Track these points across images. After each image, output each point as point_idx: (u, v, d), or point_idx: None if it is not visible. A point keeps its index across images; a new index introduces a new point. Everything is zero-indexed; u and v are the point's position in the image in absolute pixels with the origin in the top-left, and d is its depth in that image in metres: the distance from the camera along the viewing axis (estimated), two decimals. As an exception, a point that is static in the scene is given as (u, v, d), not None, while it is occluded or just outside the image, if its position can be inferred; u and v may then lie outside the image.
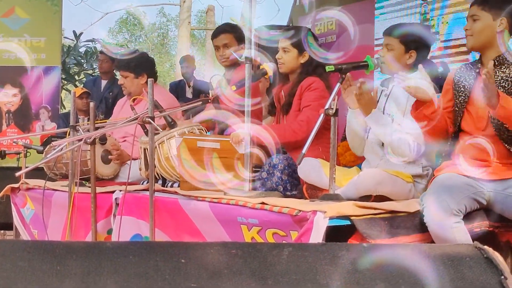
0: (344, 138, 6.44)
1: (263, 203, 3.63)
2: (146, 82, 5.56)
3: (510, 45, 3.70)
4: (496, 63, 3.66)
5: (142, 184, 4.90)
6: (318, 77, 4.55)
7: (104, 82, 9.27)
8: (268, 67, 4.40)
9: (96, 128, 4.13)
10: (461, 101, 3.77)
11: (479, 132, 3.66)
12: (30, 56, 9.43)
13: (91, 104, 4.15)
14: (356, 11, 7.84)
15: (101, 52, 10.48)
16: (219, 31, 5.66)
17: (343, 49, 7.90)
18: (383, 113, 4.04)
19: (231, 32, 5.54)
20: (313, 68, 4.61)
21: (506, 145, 3.57)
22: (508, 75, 3.61)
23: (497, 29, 3.67)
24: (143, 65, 5.82)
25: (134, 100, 5.60)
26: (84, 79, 14.11)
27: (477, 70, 3.75)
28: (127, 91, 5.91)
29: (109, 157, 5.42)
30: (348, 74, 3.92)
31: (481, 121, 3.65)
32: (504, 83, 3.60)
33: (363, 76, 4.06)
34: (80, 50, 14.51)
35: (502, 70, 3.65)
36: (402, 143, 3.89)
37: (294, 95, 4.60)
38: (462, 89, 3.78)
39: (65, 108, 12.35)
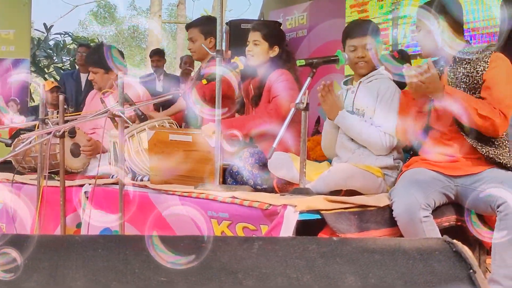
0: (314, 133, 6.48)
1: (233, 197, 3.62)
2: (117, 76, 5.54)
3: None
4: (457, 60, 3.70)
5: (112, 177, 4.88)
6: (287, 70, 4.56)
7: (84, 76, 9.17)
8: (240, 61, 4.39)
9: (66, 121, 4.09)
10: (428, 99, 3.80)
11: (446, 128, 3.69)
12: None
13: (60, 97, 4.11)
14: (327, 6, 7.88)
15: (80, 44, 10.37)
16: (187, 26, 5.78)
17: (314, 43, 7.96)
18: (352, 110, 4.09)
19: (197, 26, 5.60)
20: (282, 62, 4.62)
21: (469, 140, 3.59)
22: (469, 71, 3.64)
23: (437, 31, 3.72)
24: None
25: (104, 93, 5.58)
26: (54, 72, 13.99)
27: (441, 68, 3.78)
28: (97, 86, 5.89)
29: (81, 150, 5.39)
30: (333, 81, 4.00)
31: (448, 118, 3.67)
32: (465, 79, 3.63)
33: (334, 71, 4.09)
34: (50, 43, 14.37)
35: (463, 66, 3.68)
36: (373, 138, 3.93)
37: (263, 87, 4.61)
38: None
39: (34, 101, 12.23)
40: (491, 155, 3.57)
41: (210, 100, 5.03)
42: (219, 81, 4.00)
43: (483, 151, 3.57)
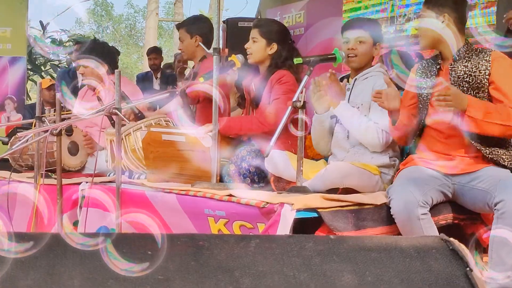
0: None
1: (230, 195, 3.62)
2: (107, 71, 5.54)
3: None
4: (457, 58, 3.69)
5: (109, 176, 4.87)
6: (288, 70, 4.54)
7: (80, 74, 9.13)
8: (237, 59, 4.38)
9: (62, 119, 4.08)
10: (424, 98, 3.79)
11: (443, 126, 3.68)
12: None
13: (57, 95, 4.10)
14: (324, 4, 7.87)
15: (77, 42, 10.33)
16: (177, 26, 5.93)
17: (311, 42, 7.95)
18: (348, 107, 4.10)
19: (184, 26, 5.66)
20: (282, 60, 4.60)
21: (469, 139, 3.58)
22: (471, 69, 3.63)
23: (441, 25, 3.71)
24: (104, 55, 5.78)
25: (95, 89, 5.60)
26: (50, 69, 13.97)
27: (438, 66, 3.78)
28: (87, 81, 5.89)
29: (84, 145, 5.41)
30: (322, 80, 3.99)
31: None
32: (467, 78, 3.62)
33: (331, 68, 4.09)
34: (46, 40, 14.35)
35: (463, 64, 3.67)
36: (370, 133, 3.93)
37: (264, 88, 4.59)
38: (424, 85, 3.81)
39: (30, 99, 12.21)
40: (493, 155, 3.56)
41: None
42: (216, 79, 4.00)
43: (486, 151, 3.56)
